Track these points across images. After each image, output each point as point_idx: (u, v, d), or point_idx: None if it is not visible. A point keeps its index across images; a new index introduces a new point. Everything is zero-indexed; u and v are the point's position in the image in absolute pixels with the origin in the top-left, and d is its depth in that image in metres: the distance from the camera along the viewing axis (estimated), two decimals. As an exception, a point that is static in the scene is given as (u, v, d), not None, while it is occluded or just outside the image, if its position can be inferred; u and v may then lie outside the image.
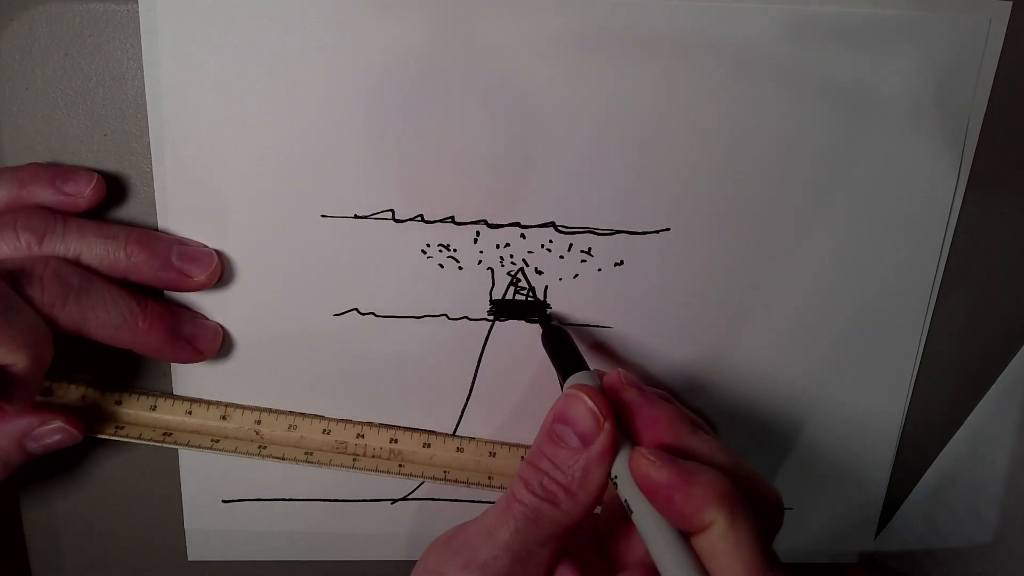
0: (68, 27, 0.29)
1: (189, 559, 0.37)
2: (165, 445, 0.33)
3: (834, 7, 0.30)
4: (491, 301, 0.33)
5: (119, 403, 0.33)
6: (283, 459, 0.33)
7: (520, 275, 0.33)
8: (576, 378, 0.29)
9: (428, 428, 0.35)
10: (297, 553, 0.37)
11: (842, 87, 0.31)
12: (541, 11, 0.29)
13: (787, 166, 0.32)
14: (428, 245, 0.32)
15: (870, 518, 0.38)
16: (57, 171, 0.29)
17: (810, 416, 0.36)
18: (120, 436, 0.33)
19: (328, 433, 0.34)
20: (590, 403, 0.26)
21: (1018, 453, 0.35)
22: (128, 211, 0.31)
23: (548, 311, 0.33)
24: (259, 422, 0.34)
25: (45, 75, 0.30)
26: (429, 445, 0.35)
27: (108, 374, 0.34)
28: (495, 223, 0.32)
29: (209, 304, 0.32)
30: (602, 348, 0.34)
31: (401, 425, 0.35)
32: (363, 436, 0.34)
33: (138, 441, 0.33)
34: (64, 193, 0.29)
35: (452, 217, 0.32)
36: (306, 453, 0.34)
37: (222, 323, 0.33)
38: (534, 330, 0.33)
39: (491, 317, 0.33)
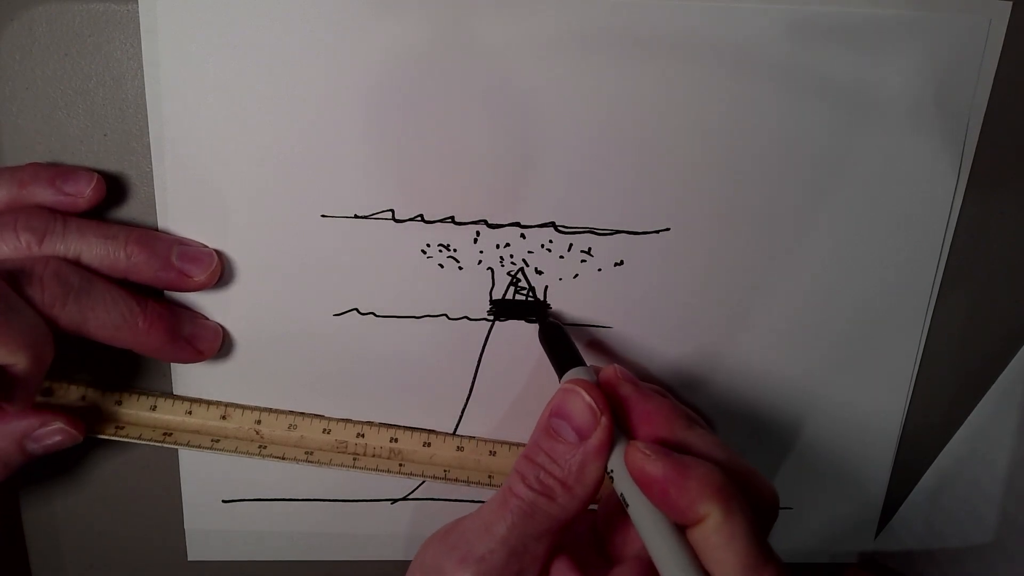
0: (68, 27, 0.29)
1: (189, 559, 0.37)
2: (165, 445, 0.33)
3: (834, 7, 0.30)
4: (491, 301, 0.33)
5: (119, 403, 0.33)
6: (283, 459, 0.33)
7: (520, 275, 0.33)
8: (573, 373, 0.29)
9: (428, 427, 0.35)
10: (297, 553, 0.37)
11: (842, 87, 0.31)
12: (541, 11, 0.29)
13: (787, 166, 0.32)
14: (428, 245, 0.32)
15: (870, 518, 0.38)
16: (57, 171, 0.29)
17: (810, 416, 0.36)
18: (120, 436, 0.33)
19: (328, 433, 0.34)
20: (587, 397, 0.26)
21: (1018, 453, 0.35)
22: (128, 211, 0.31)
23: (548, 311, 0.33)
24: (259, 422, 0.34)
25: (45, 75, 0.30)
26: (429, 444, 0.35)
27: (108, 374, 0.34)
28: (495, 223, 0.32)
29: (209, 304, 0.32)
30: (602, 348, 0.34)
31: (401, 424, 0.35)
32: (363, 436, 0.34)
33: (138, 441, 0.33)
34: (64, 193, 0.29)
35: (452, 217, 0.32)
36: (306, 453, 0.34)
37: (222, 323, 0.33)
38: (534, 330, 0.33)
39: (491, 317, 0.33)
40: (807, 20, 0.30)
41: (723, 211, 0.32)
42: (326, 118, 0.30)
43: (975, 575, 0.36)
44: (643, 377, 0.34)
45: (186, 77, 0.29)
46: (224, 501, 0.36)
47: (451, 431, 0.35)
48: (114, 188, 0.31)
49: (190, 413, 0.34)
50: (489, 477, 0.34)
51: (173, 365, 0.34)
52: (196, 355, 0.32)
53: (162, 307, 0.30)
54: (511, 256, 0.33)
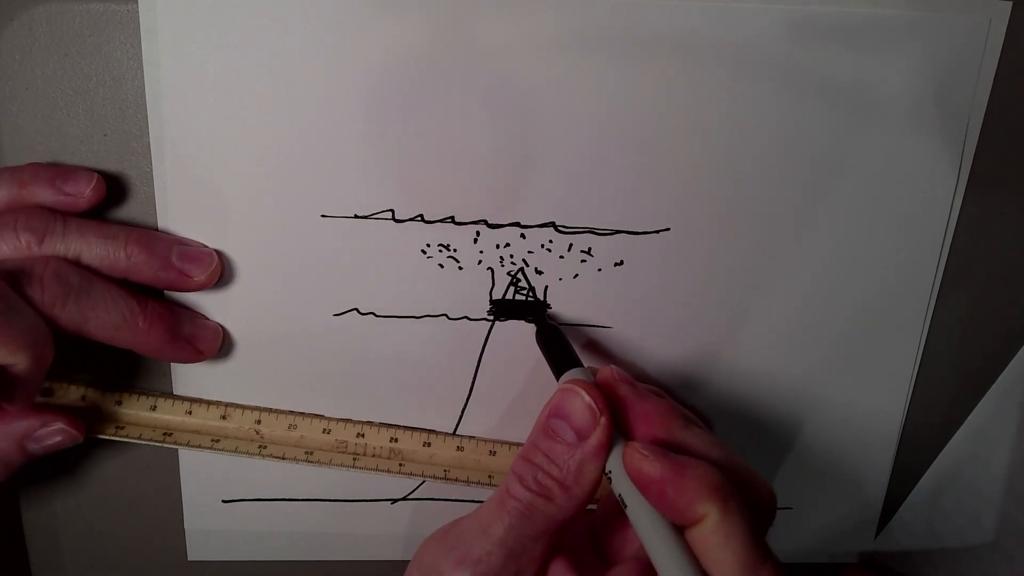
0: (68, 27, 0.29)
1: (189, 559, 0.37)
2: (165, 445, 0.33)
3: (834, 7, 0.30)
4: (491, 301, 0.33)
5: (119, 403, 0.33)
6: (283, 459, 0.33)
7: (520, 275, 0.33)
8: (571, 375, 0.29)
9: (428, 427, 0.35)
10: (297, 553, 0.37)
11: (842, 87, 0.31)
12: (541, 11, 0.29)
13: (787, 166, 0.32)
14: (428, 245, 0.32)
15: (870, 518, 0.38)
16: (57, 171, 0.29)
17: (810, 416, 0.36)
18: (120, 436, 0.33)
19: (328, 433, 0.34)
20: (587, 398, 0.26)
21: (1018, 453, 0.35)
22: (128, 211, 0.31)
23: (547, 311, 0.33)
24: (259, 422, 0.34)
25: (45, 75, 0.30)
26: (429, 444, 0.35)
27: (108, 374, 0.34)
28: (495, 223, 0.32)
29: (209, 304, 0.32)
30: (602, 348, 0.34)
31: (401, 424, 0.35)
32: (363, 435, 0.34)
33: (138, 441, 0.33)
34: (64, 193, 0.29)
35: (452, 217, 0.32)
36: (306, 453, 0.34)
37: (222, 323, 0.33)
38: (534, 330, 0.33)
39: (491, 317, 0.33)
40: (807, 20, 0.30)
41: (723, 211, 0.32)
42: (326, 118, 0.30)
43: (975, 575, 0.36)
44: (642, 377, 0.34)
45: (186, 77, 0.29)
46: (224, 501, 0.36)
47: (451, 431, 0.35)
48: (114, 188, 0.31)
49: (190, 413, 0.34)
50: (489, 477, 0.34)
51: (173, 365, 0.34)
52: (196, 355, 0.32)
53: (162, 307, 0.30)
54: (511, 256, 0.33)
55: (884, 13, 0.30)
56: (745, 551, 0.23)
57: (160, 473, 0.35)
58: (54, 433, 0.30)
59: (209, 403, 0.34)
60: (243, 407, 0.34)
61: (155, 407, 0.34)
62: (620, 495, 0.26)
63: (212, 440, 0.33)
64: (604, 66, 0.30)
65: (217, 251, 0.31)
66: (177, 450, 0.35)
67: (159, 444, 0.33)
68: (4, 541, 0.36)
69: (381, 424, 0.35)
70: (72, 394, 0.33)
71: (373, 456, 0.34)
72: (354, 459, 0.34)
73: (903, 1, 0.30)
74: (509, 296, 0.33)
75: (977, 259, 0.34)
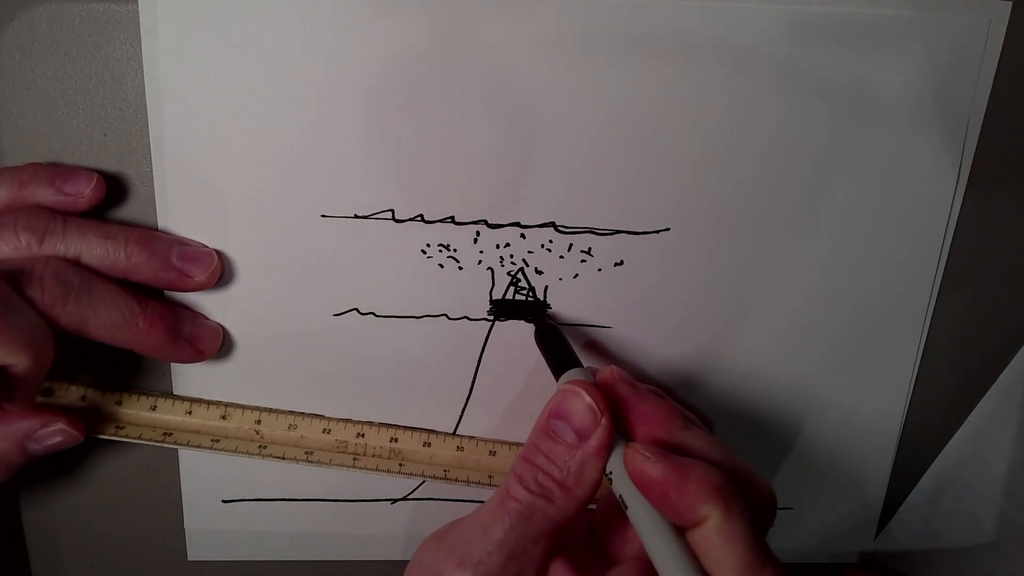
0: (68, 27, 0.29)
1: (189, 559, 0.37)
2: (165, 445, 0.33)
3: (834, 7, 0.30)
4: (491, 301, 0.33)
5: (119, 403, 0.33)
6: (283, 459, 0.33)
7: (520, 275, 0.33)
8: (570, 375, 0.29)
9: (428, 427, 0.35)
10: (297, 553, 0.37)
11: (842, 87, 0.31)
12: (541, 11, 0.29)
13: (787, 166, 0.32)
14: (428, 245, 0.32)
15: (870, 518, 0.38)
16: (57, 171, 0.29)
17: (810, 416, 0.36)
18: (120, 436, 0.33)
19: (328, 432, 0.34)
20: (587, 398, 0.26)
21: (1019, 453, 0.35)
22: (128, 211, 0.31)
23: (547, 311, 0.33)
24: (259, 422, 0.34)
25: (45, 75, 0.30)
26: (429, 444, 0.35)
27: (108, 374, 0.34)
28: (495, 223, 0.32)
29: (209, 304, 0.32)
30: (602, 348, 0.34)
31: (401, 424, 0.35)
32: (363, 435, 0.34)
33: (138, 441, 0.33)
34: (64, 193, 0.29)
35: (452, 217, 0.32)
36: (306, 453, 0.34)
37: (222, 323, 0.33)
38: (534, 330, 0.33)
39: (491, 317, 0.33)
40: (807, 20, 0.30)
41: (723, 211, 0.32)
42: (326, 118, 0.30)
43: (974, 575, 0.36)
44: (642, 378, 0.34)
45: (186, 77, 0.29)
46: (224, 501, 0.36)
47: (451, 431, 0.35)
48: (114, 188, 0.31)
49: (190, 413, 0.34)
50: (489, 477, 0.34)
51: (173, 365, 0.34)
52: (196, 355, 0.32)
53: (162, 307, 0.30)
54: (511, 256, 0.33)
55: (884, 13, 0.30)
56: (747, 552, 0.24)
57: (160, 473, 0.35)
58: (54, 433, 0.30)
59: (209, 403, 0.34)
60: (243, 407, 0.34)
61: (155, 407, 0.34)
62: (621, 496, 0.26)
63: (212, 440, 0.33)
64: (604, 66, 0.30)
65: (217, 251, 0.31)
66: (177, 450, 0.35)
67: (159, 444, 0.33)
68: (4, 541, 0.36)
69: (381, 424, 0.35)
70: (72, 394, 0.33)
71: (373, 456, 0.34)
72: (354, 459, 0.34)
73: (903, 1, 0.30)
74: (509, 296, 0.33)
75: (977, 259, 0.34)
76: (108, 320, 0.28)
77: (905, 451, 0.37)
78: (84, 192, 0.29)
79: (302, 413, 0.34)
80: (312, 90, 0.30)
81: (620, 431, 0.27)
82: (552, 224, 0.32)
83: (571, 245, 0.32)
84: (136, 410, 0.33)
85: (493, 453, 0.35)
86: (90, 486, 0.36)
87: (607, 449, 0.26)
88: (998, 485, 0.35)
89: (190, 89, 0.30)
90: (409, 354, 0.34)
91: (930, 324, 0.35)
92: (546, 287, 0.33)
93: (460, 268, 0.33)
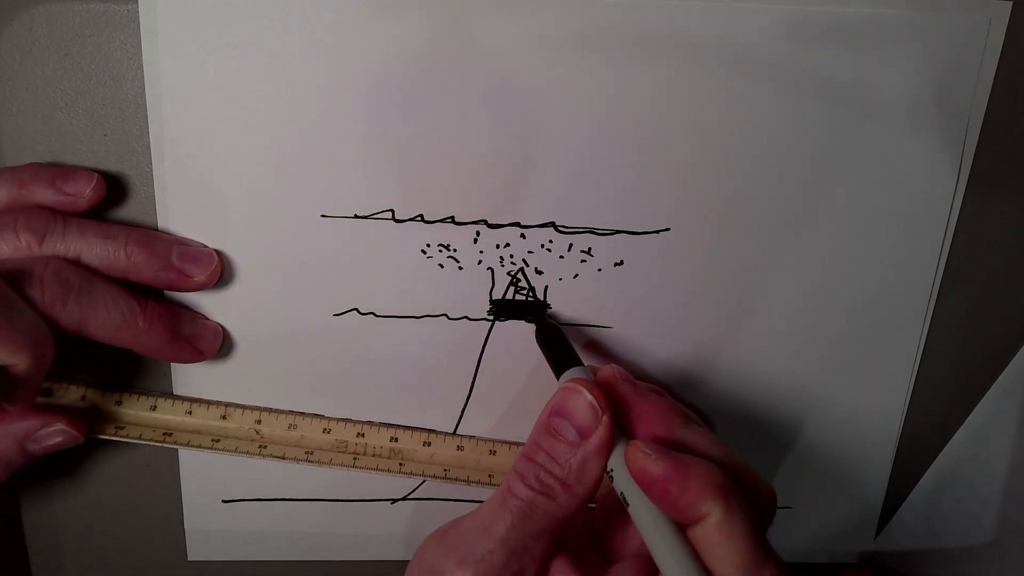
0: (68, 27, 0.29)
1: (189, 559, 0.37)
2: (165, 445, 0.33)
3: (834, 7, 0.30)
4: (491, 301, 0.33)
5: (119, 403, 0.33)
6: (283, 459, 0.33)
7: (520, 275, 0.33)
8: (571, 373, 0.29)
9: (428, 427, 0.35)
10: (297, 553, 0.37)
11: (842, 87, 0.31)
12: (541, 11, 0.29)
13: (787, 166, 0.32)
14: (428, 245, 0.32)
15: (870, 518, 0.38)
16: (57, 171, 0.29)
17: (810, 416, 0.36)
18: (120, 436, 0.33)
19: (328, 432, 0.34)
20: (589, 396, 0.26)
21: (1019, 453, 0.35)
22: (128, 211, 0.31)
23: (547, 311, 0.33)
24: (259, 422, 0.34)
25: (45, 75, 0.30)
26: (429, 444, 0.35)
27: (108, 374, 0.34)
28: (495, 223, 0.32)
29: (209, 304, 0.32)
30: (602, 348, 0.34)
31: (401, 424, 0.35)
32: (363, 435, 0.34)
33: (138, 441, 0.33)
34: (64, 193, 0.29)
35: (452, 217, 0.32)
36: (306, 452, 0.34)
37: (222, 323, 0.33)
38: (534, 330, 0.33)
39: (491, 317, 0.33)
40: (807, 20, 0.30)
41: (723, 211, 0.32)
42: (326, 118, 0.30)
43: (975, 575, 0.36)
44: (642, 377, 0.34)
45: (186, 77, 0.29)
46: (224, 501, 0.36)
47: (451, 431, 0.35)
48: (114, 188, 0.31)
49: (190, 413, 0.34)
50: (489, 476, 0.34)
51: (173, 365, 0.34)
52: (196, 355, 0.32)
53: (162, 307, 0.30)
54: (511, 256, 0.33)
55: (884, 13, 0.30)
56: (748, 549, 0.24)
57: (160, 473, 0.35)
58: (55, 434, 0.30)
59: (209, 403, 0.34)
60: (243, 407, 0.34)
61: (155, 407, 0.34)
62: (622, 493, 0.26)
63: (212, 440, 0.33)
64: (604, 66, 0.30)
65: (217, 251, 0.31)
66: (177, 450, 0.35)
67: (159, 444, 0.33)
68: (4, 541, 0.36)
69: (381, 424, 0.35)
70: (72, 394, 0.33)
71: (373, 456, 0.34)
72: (354, 459, 0.34)
73: (903, 1, 0.30)
74: (509, 296, 0.33)
75: (977, 259, 0.34)
76: (108, 320, 0.28)
77: (905, 451, 0.37)
78: (84, 192, 0.29)
79: (302, 413, 0.34)
80: (312, 90, 0.30)
81: (621, 429, 0.27)
82: (552, 224, 0.32)
83: (571, 245, 0.32)
84: (136, 410, 0.33)
85: (493, 453, 0.35)
86: (90, 486, 0.36)
87: (608, 447, 0.26)
88: (998, 485, 0.35)
89: (190, 89, 0.30)
90: (409, 354, 0.34)
91: (930, 324, 0.35)
92: (546, 287, 0.33)
93: (460, 268, 0.33)
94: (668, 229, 0.32)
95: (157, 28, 0.29)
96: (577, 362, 0.29)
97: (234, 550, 0.37)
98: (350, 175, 0.31)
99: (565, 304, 0.33)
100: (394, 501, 0.36)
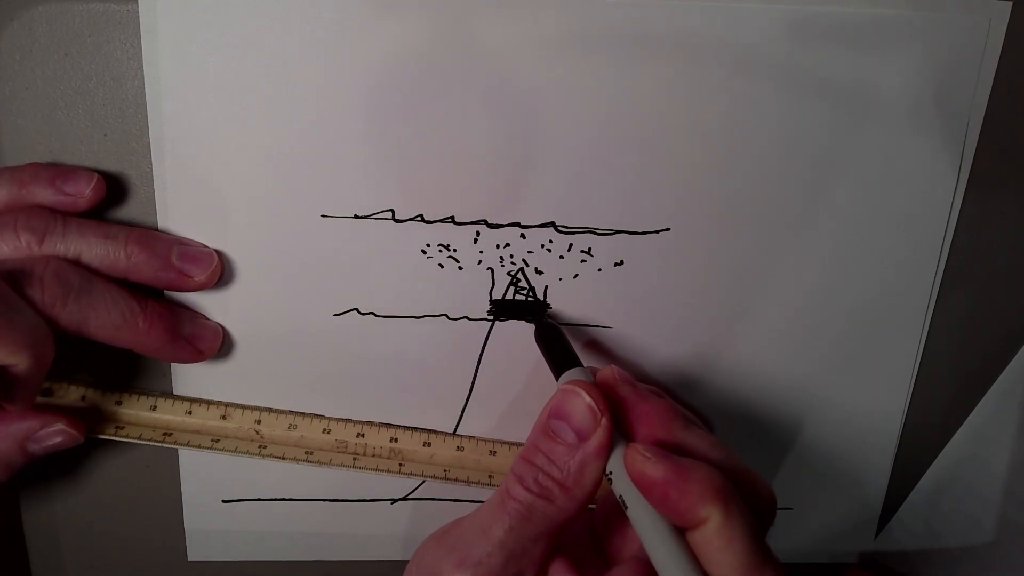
0: (68, 27, 0.29)
1: (189, 559, 0.37)
2: (165, 445, 0.33)
3: (834, 7, 0.30)
4: (491, 301, 0.33)
5: (119, 403, 0.33)
6: (283, 459, 0.33)
7: (520, 275, 0.33)
8: (570, 374, 0.29)
9: (428, 427, 0.35)
10: (297, 553, 0.37)
11: (842, 87, 0.31)
12: (541, 11, 0.29)
13: (787, 166, 0.32)
14: (428, 245, 0.32)
15: (870, 518, 0.38)
16: (57, 171, 0.29)
17: (810, 416, 0.36)
18: (120, 436, 0.33)
19: (328, 432, 0.34)
20: (587, 398, 0.26)
21: (1019, 453, 0.35)
22: (128, 211, 0.31)
23: (547, 311, 0.33)
24: (259, 422, 0.34)
25: (45, 75, 0.30)
26: (429, 444, 0.35)
27: (108, 374, 0.34)
28: (495, 223, 0.32)
29: (209, 304, 0.32)
30: (601, 348, 0.34)
31: (401, 424, 0.35)
32: (363, 435, 0.34)
33: (138, 441, 0.33)
34: (64, 193, 0.29)
35: (452, 217, 0.32)
36: (306, 452, 0.34)
37: (222, 323, 0.33)
38: (534, 329, 0.33)
39: (491, 317, 0.33)
40: (807, 20, 0.30)
41: (723, 211, 0.32)
42: (326, 118, 0.30)
43: (974, 575, 0.36)
44: (642, 377, 0.34)
45: (186, 77, 0.29)
46: (224, 501, 0.36)
47: (451, 431, 0.35)
48: (114, 188, 0.31)
49: (190, 413, 0.34)
50: (489, 477, 0.34)
51: (173, 365, 0.34)
52: (196, 355, 0.32)
53: (162, 307, 0.30)
54: (511, 256, 0.33)
55: (884, 13, 0.30)
56: (747, 554, 0.24)
57: (160, 473, 0.35)
58: (55, 434, 0.30)
59: (209, 403, 0.34)
60: (243, 407, 0.34)
61: (155, 407, 0.34)
62: (621, 496, 0.26)
63: (212, 440, 0.33)
64: (604, 66, 0.30)
65: (217, 251, 0.31)
66: (177, 450, 0.35)
67: (159, 444, 0.33)
68: (4, 541, 0.36)
69: (381, 424, 0.35)
70: (72, 394, 0.33)
71: (373, 456, 0.34)
72: (354, 459, 0.34)
73: (903, 1, 0.30)
74: (509, 296, 0.33)
75: (977, 259, 0.34)
76: (108, 320, 0.28)
77: (905, 451, 0.37)
78: (84, 192, 0.29)
79: (302, 413, 0.34)
80: (312, 90, 0.30)
81: (620, 431, 0.27)
82: (552, 224, 0.32)
83: (571, 245, 0.32)
84: (136, 410, 0.33)
85: (493, 453, 0.35)
86: (90, 486, 0.36)
87: (607, 449, 0.26)
88: (998, 485, 0.35)
89: (190, 89, 0.30)
90: (409, 354, 0.34)
91: (930, 324, 0.35)
92: (546, 287, 0.33)
93: (460, 268, 0.33)
94: (668, 229, 0.32)
95: (157, 28, 0.29)
96: (576, 363, 0.29)
97: (234, 550, 0.37)
98: (350, 175, 0.31)
99: (565, 304, 0.33)
100: (394, 501, 0.36)
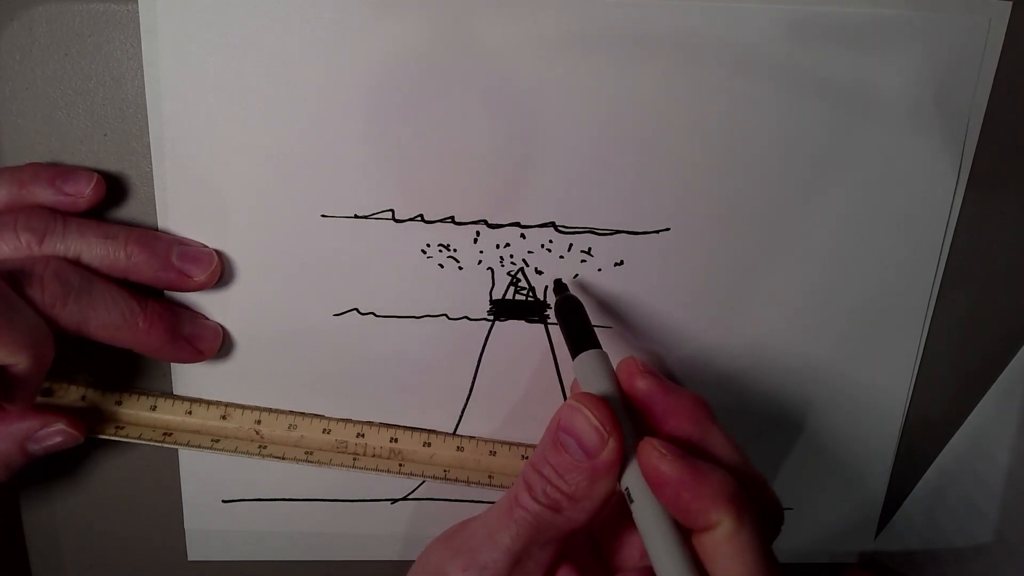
0: (68, 27, 0.29)
1: (189, 559, 0.37)
2: (165, 445, 0.33)
3: (834, 7, 0.30)
4: (491, 301, 0.33)
5: (119, 403, 0.33)
6: (283, 459, 0.33)
7: (520, 275, 0.33)
8: (585, 359, 0.28)
9: (428, 427, 0.35)
10: (297, 553, 0.37)
11: (842, 87, 0.31)
12: (541, 11, 0.29)
13: (787, 166, 0.32)
14: (428, 245, 0.32)
15: (870, 518, 0.38)
16: (57, 171, 0.29)
17: (810, 416, 0.36)
18: (120, 436, 0.33)
19: (328, 433, 0.34)
20: (593, 420, 0.25)
21: (1019, 453, 0.35)
22: (128, 211, 0.31)
23: (548, 311, 0.33)
24: (259, 422, 0.34)
25: (45, 75, 0.30)
26: (429, 444, 0.35)
27: (108, 374, 0.34)
28: (495, 223, 0.32)
29: (209, 304, 0.32)
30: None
31: (401, 424, 0.35)
32: (363, 435, 0.34)
33: (138, 441, 0.33)
34: (64, 193, 0.29)
35: (452, 217, 0.32)
36: (306, 453, 0.34)
37: (222, 323, 0.33)
38: (534, 330, 0.33)
39: (491, 317, 0.33)
40: (807, 20, 0.30)
41: (723, 211, 0.32)
42: (326, 118, 0.30)
43: (974, 575, 0.36)
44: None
45: (186, 77, 0.29)
46: (224, 501, 0.36)
47: (451, 431, 0.35)
48: (114, 188, 0.31)
49: (190, 413, 0.34)
50: (489, 477, 0.34)
51: (173, 365, 0.34)
52: (196, 355, 0.32)
53: (162, 307, 0.30)
54: (511, 256, 0.33)
55: (884, 13, 0.30)
56: (755, 564, 0.23)
57: (160, 473, 0.35)
58: (55, 434, 0.30)
59: (209, 403, 0.34)
60: (243, 407, 0.34)
61: (155, 407, 0.34)
62: (627, 489, 0.25)
63: (212, 440, 0.33)
64: (604, 66, 0.30)
65: (217, 251, 0.31)
66: (177, 450, 0.35)
67: (159, 444, 0.33)
68: (4, 541, 0.36)
69: (381, 424, 0.35)
70: (72, 394, 0.33)
71: (373, 456, 0.34)
72: (354, 459, 0.34)
73: (903, 1, 0.30)
74: (509, 296, 0.33)
75: (977, 259, 0.34)
76: (108, 320, 0.28)
77: (905, 451, 0.37)
78: (84, 192, 0.29)
79: (302, 413, 0.34)
80: (312, 90, 0.30)
81: (641, 425, 0.26)
82: (552, 224, 0.32)
83: (571, 245, 0.32)
84: (136, 410, 0.33)
85: (493, 453, 0.35)
86: (90, 486, 0.36)
87: (618, 466, 0.25)
88: (999, 485, 0.35)
89: (190, 89, 0.30)
90: (409, 354, 0.34)
91: (930, 324, 0.35)
92: (546, 287, 0.33)
93: (460, 268, 0.33)
94: (668, 229, 0.32)
95: (157, 28, 0.29)
96: (594, 343, 0.28)
97: (234, 550, 0.37)
98: (350, 175, 0.31)
99: (565, 304, 0.33)
100: (394, 501, 0.36)
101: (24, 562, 0.36)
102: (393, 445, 0.34)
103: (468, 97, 0.30)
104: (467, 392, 0.35)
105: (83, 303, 0.28)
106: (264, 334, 0.33)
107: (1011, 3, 0.30)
